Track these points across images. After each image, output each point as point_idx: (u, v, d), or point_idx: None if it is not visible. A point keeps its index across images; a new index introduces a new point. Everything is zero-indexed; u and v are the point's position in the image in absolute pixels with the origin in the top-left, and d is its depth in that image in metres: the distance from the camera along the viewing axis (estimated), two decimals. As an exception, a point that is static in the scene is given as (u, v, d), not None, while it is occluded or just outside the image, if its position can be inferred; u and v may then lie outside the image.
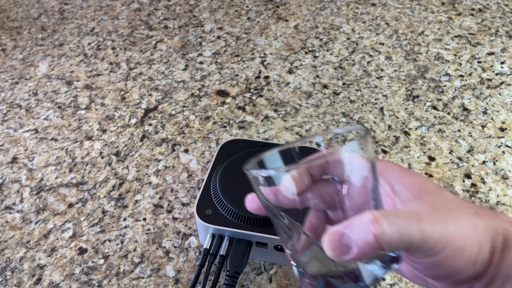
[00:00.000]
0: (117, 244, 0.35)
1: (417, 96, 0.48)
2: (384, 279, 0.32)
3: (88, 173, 0.41)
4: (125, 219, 0.37)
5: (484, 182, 0.39)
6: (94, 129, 0.45)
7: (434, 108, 0.46)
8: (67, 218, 0.37)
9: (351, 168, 0.19)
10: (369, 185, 0.19)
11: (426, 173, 0.39)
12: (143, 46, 0.57)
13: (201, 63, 0.54)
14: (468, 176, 0.39)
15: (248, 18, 0.62)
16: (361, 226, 0.17)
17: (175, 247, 0.34)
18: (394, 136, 0.43)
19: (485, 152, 0.41)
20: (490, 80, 0.50)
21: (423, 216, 0.18)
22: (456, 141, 0.43)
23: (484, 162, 0.41)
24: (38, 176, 0.40)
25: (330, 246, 0.17)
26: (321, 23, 0.60)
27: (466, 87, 0.49)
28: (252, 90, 0.49)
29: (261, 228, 0.31)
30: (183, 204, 0.37)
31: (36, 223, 0.37)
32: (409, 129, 0.44)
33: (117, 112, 0.47)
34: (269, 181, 0.19)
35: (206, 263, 0.31)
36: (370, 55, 0.54)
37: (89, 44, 0.58)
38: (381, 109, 0.46)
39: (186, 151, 0.42)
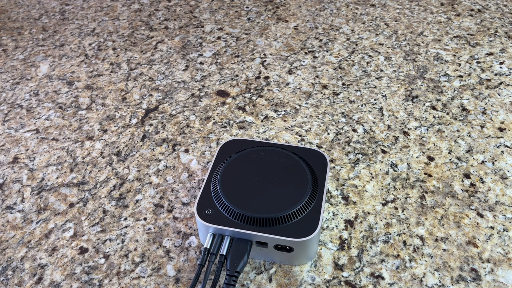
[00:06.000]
0: (118, 244, 0.35)
1: (416, 96, 0.48)
2: (383, 278, 0.32)
3: (89, 173, 0.41)
4: (125, 219, 0.37)
5: (483, 182, 0.39)
6: (95, 129, 0.45)
7: (433, 108, 0.47)
8: (68, 217, 0.37)
9: None
10: None
11: (425, 173, 0.40)
12: (144, 46, 0.57)
13: (201, 63, 0.54)
14: (467, 176, 0.39)
15: (248, 19, 0.62)
16: None
17: (175, 246, 0.35)
18: (394, 136, 0.43)
19: (484, 152, 0.42)
20: (489, 80, 0.50)
21: None
22: (455, 141, 0.43)
23: (483, 162, 0.41)
24: (39, 176, 0.41)
25: None
26: (321, 23, 0.60)
27: (465, 87, 0.49)
28: (252, 91, 0.49)
29: (261, 228, 0.31)
30: (184, 204, 0.38)
31: (37, 222, 0.37)
32: (408, 129, 0.44)
33: (118, 112, 0.47)
34: None
35: (206, 263, 0.31)
36: (370, 56, 0.54)
37: (90, 44, 0.58)
38: (381, 109, 0.47)
39: (186, 151, 0.43)
